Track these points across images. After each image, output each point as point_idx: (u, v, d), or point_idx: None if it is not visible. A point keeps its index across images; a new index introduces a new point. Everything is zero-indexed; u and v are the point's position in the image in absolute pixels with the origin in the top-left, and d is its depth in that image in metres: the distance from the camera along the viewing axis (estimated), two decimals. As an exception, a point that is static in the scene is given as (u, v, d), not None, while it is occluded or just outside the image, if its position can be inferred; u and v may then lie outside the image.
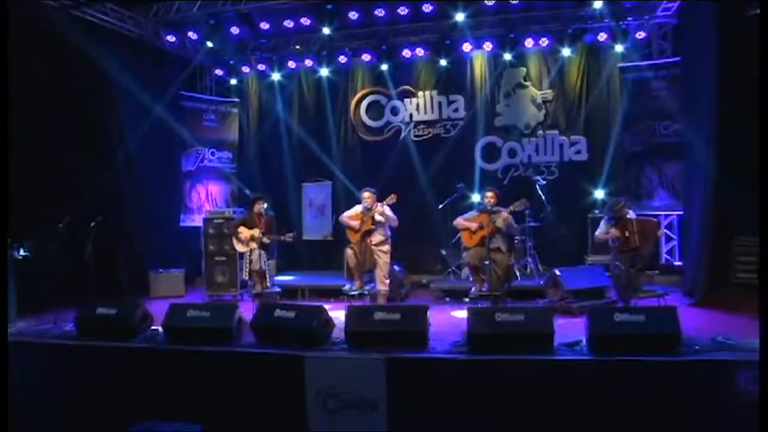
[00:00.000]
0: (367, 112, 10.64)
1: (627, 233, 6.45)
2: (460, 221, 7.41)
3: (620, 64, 9.21)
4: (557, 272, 7.20)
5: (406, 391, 4.83)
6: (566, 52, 9.38)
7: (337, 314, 5.71)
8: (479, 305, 6.66)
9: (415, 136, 10.37)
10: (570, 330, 5.45)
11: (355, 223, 7.36)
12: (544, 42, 9.44)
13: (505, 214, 6.96)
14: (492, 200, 7.14)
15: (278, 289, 8.13)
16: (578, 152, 9.67)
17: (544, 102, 9.83)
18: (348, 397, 4.86)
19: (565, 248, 9.06)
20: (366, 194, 7.35)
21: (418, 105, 10.37)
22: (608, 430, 4.54)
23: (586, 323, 4.98)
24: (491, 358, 4.84)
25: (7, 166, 5.71)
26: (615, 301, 6.82)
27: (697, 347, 4.82)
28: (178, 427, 4.87)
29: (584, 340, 4.99)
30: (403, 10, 8.90)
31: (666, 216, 9.20)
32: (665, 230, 9.21)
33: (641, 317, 4.86)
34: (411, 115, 10.40)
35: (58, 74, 7.88)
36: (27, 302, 6.88)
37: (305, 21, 9.12)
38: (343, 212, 7.86)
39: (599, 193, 9.30)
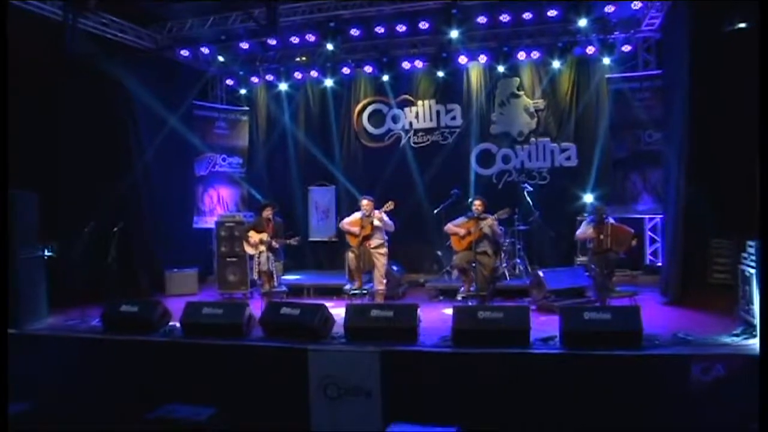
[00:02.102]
0: (369, 120, 11.07)
1: (601, 236, 6.95)
2: (450, 227, 7.85)
3: (607, 76, 9.60)
4: (540, 273, 7.61)
5: (397, 380, 5.32)
6: (557, 64, 9.76)
7: (339, 311, 6.21)
8: (468, 303, 7.20)
9: (414, 143, 10.79)
10: (549, 327, 5.92)
11: (356, 229, 7.81)
12: (536, 55, 9.82)
13: (490, 220, 7.43)
14: (480, 208, 7.59)
15: (285, 288, 8.43)
16: (568, 158, 10.08)
17: (536, 110, 10.22)
18: (346, 385, 5.35)
19: (553, 250, 9.49)
20: (364, 202, 7.84)
21: (417, 113, 10.79)
22: (577, 416, 4.99)
23: (559, 320, 5.46)
24: (473, 351, 5.34)
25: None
26: (594, 300, 7.16)
27: (657, 342, 5.31)
28: (194, 410, 5.42)
29: (558, 336, 5.46)
30: (401, 27, 9.35)
31: (650, 219, 9.63)
32: (649, 232, 9.66)
33: (607, 315, 5.36)
34: (410, 123, 10.82)
35: (81, 89, 8.51)
36: (56, 300, 7.45)
37: (310, 37, 9.59)
38: (345, 215, 8.30)
39: (588, 197, 9.63)
